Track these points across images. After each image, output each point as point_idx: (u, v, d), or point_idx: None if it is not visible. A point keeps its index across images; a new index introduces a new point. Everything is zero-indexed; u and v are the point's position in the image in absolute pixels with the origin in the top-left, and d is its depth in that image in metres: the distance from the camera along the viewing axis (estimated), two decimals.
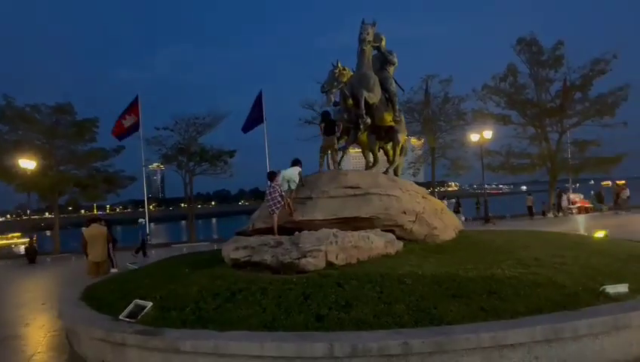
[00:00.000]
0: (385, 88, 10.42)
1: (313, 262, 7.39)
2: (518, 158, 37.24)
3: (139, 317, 6.47)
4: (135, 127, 31.02)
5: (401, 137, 11.04)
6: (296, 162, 9.95)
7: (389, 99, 10.55)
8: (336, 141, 11.03)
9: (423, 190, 10.61)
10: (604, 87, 34.59)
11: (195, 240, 33.83)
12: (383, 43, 10.75)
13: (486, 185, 41.29)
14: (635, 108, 35.71)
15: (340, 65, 11.25)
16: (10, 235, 58.79)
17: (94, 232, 12.10)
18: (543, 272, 6.78)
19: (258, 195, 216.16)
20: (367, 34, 10.14)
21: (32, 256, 23.59)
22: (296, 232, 8.36)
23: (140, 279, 8.55)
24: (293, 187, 9.48)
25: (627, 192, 34.48)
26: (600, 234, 11.42)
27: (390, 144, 11.34)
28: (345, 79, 11.23)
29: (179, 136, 33.75)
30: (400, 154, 11.22)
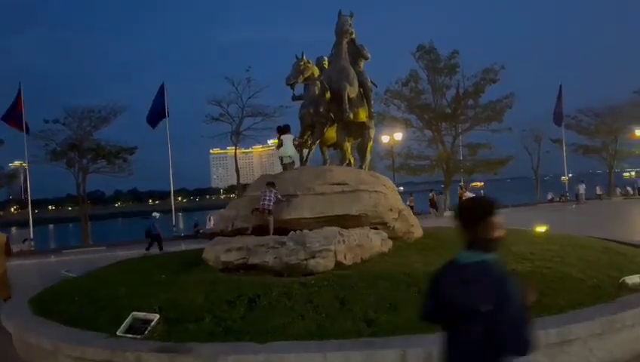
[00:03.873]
0: (361, 82, 10.19)
1: (323, 263, 6.93)
2: (416, 160, 39.25)
3: (145, 333, 5.54)
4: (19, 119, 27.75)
5: (372, 134, 10.88)
6: (286, 129, 10.48)
7: (364, 94, 10.33)
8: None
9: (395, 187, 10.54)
10: (493, 95, 37.75)
11: (89, 245, 30.91)
12: (354, 36, 10.50)
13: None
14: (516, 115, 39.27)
15: (304, 57, 10.81)
16: None
17: None
18: (553, 266, 7.00)
19: (136, 197, 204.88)
20: (350, 25, 9.84)
21: None
22: (292, 232, 7.79)
23: (108, 287, 7.39)
24: (289, 161, 10.22)
25: (468, 195, 35.71)
26: (542, 228, 12.16)
27: (358, 141, 11.11)
28: (309, 73, 10.82)
29: (70, 130, 30.62)
30: (370, 152, 11.05)
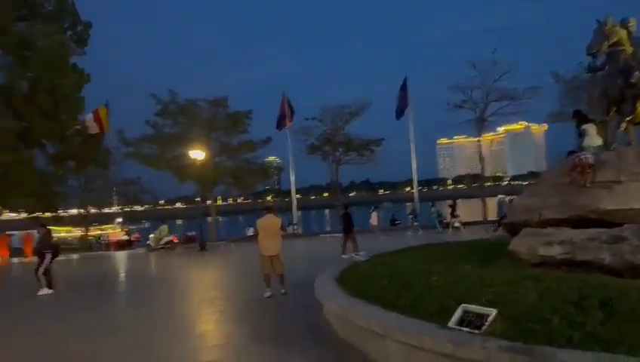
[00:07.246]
0: None
1: None
2: None
3: (483, 328, 5.11)
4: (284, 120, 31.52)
5: None
6: (585, 117, 9.36)
7: None
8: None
9: None
10: None
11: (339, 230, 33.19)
12: None
13: None
14: None
15: (611, 20, 9.23)
16: (105, 226, 47.00)
17: (267, 223, 10.93)
18: None
19: (369, 187, 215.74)
20: None
21: (202, 244, 24.47)
22: (629, 225, 6.55)
23: (418, 275, 7.29)
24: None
25: None
26: None
27: None
28: (616, 38, 9.21)
29: (325, 126, 33.40)
30: None
